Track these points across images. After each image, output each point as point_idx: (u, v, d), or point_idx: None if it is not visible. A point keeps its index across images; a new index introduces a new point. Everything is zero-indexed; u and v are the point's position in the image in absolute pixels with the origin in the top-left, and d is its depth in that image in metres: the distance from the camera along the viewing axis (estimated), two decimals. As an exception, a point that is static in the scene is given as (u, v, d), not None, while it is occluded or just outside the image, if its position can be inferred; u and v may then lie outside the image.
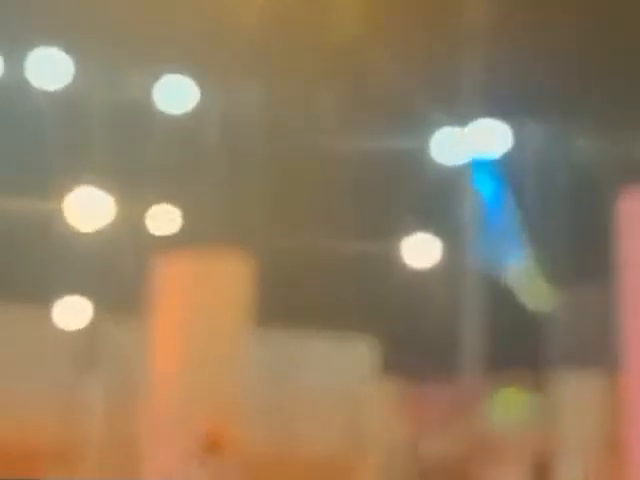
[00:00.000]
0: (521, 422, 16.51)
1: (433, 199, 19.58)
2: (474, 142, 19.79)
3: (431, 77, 19.45)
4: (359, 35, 19.30)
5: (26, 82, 18.61)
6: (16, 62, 18.67)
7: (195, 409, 11.93)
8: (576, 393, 15.49)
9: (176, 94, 19.13)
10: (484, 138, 19.79)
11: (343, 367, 17.25)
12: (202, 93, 19.87)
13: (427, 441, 16.12)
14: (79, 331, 17.53)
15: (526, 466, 15.76)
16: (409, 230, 19.55)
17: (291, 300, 17.17)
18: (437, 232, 19.40)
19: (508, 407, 16.96)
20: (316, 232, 19.19)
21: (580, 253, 17.37)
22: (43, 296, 17.67)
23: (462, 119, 19.84)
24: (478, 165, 20.02)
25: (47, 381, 15.84)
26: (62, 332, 17.48)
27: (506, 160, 20.20)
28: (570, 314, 17.69)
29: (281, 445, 15.37)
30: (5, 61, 18.58)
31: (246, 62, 19.26)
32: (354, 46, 19.29)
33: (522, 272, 19.25)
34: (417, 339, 18.30)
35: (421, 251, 19.44)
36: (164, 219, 18.63)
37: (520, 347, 18.07)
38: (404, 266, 19.36)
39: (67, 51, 18.90)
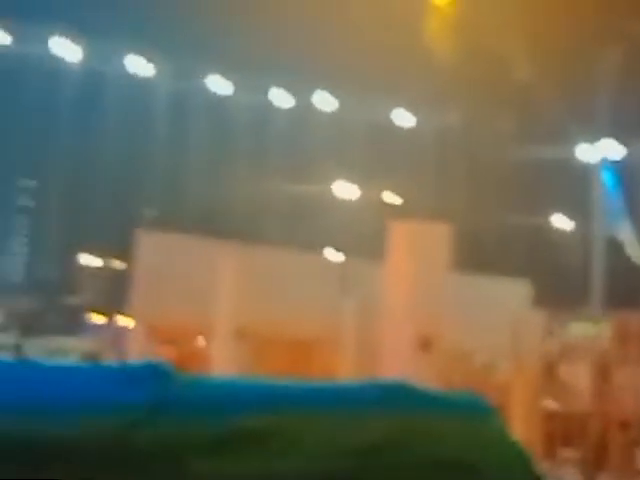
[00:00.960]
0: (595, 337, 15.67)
1: (576, 187, 19.49)
2: (603, 151, 19.63)
3: (577, 108, 19.20)
4: (530, 73, 19.02)
5: (313, 111, 19.22)
6: (304, 97, 19.25)
7: (415, 320, 11.84)
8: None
9: (401, 117, 19.45)
10: (609, 148, 19.69)
11: (507, 299, 16.56)
12: (417, 116, 20.18)
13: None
14: (340, 266, 18.11)
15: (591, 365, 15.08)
16: (556, 208, 19.60)
17: (475, 254, 17.21)
18: (578, 208, 19.23)
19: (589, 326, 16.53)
20: (494, 209, 19.17)
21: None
22: (318, 245, 18.18)
23: (596, 136, 19.71)
24: (605, 166, 19.86)
25: (320, 299, 15.87)
26: (329, 268, 17.98)
27: (621, 163, 20.07)
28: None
29: (466, 348, 15.17)
30: (294, 96, 19.21)
31: (450, 93, 19.32)
32: (526, 82, 19.10)
33: (629, 236, 18.81)
34: (556, 282, 18.22)
35: (562, 222, 19.31)
36: (394, 199, 18.93)
37: (625, 288, 17.66)
38: (552, 232, 19.38)
39: (331, 91, 19.47)
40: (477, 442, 2.33)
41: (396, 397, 2.35)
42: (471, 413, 2.38)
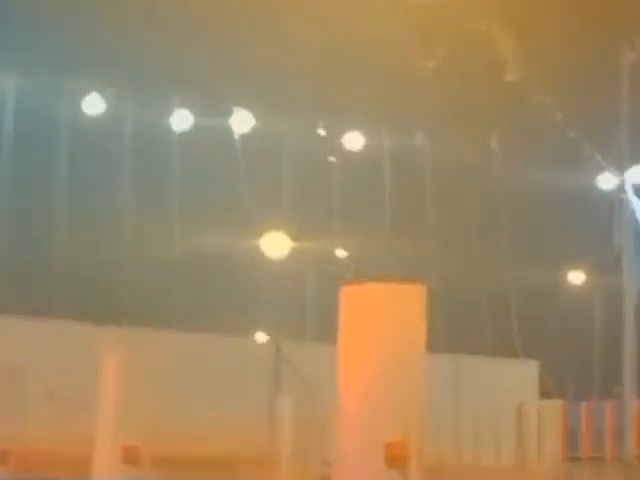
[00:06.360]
0: None
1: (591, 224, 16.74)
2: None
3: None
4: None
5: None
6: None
7: (378, 423, 8.52)
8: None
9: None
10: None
11: (509, 387, 14.33)
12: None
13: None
14: (268, 355, 15.33)
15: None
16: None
17: (455, 329, 14.07)
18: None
19: None
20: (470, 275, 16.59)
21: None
22: (240, 329, 15.31)
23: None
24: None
25: (248, 397, 13.85)
26: (255, 357, 15.38)
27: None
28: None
29: (458, 457, 13.14)
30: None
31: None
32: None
33: None
34: (569, 367, 14.83)
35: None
36: (340, 255, 16.45)
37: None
38: (564, 300, 16.22)
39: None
40: None
41: None
42: None
